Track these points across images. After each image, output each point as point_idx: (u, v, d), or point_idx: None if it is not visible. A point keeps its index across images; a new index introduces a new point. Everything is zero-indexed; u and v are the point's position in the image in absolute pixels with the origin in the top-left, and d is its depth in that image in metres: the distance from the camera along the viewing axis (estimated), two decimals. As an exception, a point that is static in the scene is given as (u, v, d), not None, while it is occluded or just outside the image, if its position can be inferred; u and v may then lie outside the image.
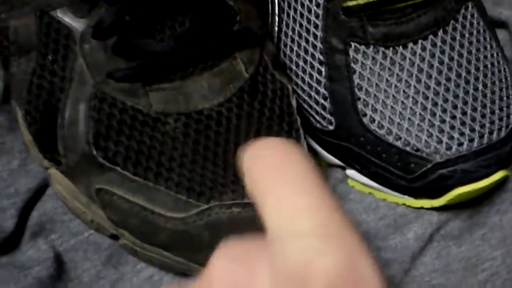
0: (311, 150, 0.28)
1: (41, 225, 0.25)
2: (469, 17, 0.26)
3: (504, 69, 0.27)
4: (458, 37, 0.26)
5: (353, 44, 0.25)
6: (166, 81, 0.23)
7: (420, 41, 0.25)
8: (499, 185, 0.27)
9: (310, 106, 0.27)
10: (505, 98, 0.26)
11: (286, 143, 0.15)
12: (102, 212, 0.23)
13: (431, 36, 0.25)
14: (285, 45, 0.27)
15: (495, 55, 0.26)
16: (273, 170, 0.15)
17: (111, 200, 0.22)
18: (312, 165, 0.15)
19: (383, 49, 0.25)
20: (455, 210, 0.26)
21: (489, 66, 0.26)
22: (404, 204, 0.27)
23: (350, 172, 0.27)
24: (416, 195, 0.26)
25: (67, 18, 0.23)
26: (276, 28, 0.28)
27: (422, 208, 0.26)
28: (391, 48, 0.25)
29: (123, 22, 0.23)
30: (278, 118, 0.24)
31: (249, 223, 0.21)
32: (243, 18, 0.25)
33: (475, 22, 0.26)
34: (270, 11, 0.28)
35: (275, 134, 0.23)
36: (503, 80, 0.26)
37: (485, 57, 0.26)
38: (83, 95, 0.23)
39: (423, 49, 0.25)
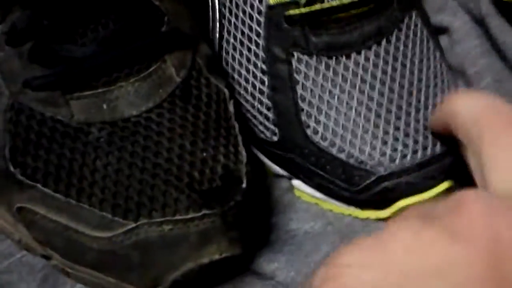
0: (256, 160, 0.28)
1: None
2: (412, 26, 0.26)
3: (448, 80, 0.26)
4: (401, 47, 0.25)
5: (295, 54, 0.25)
6: (88, 89, 0.21)
7: (363, 51, 0.25)
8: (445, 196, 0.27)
9: (254, 116, 0.26)
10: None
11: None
12: (26, 230, 0.22)
13: (374, 46, 0.25)
14: (227, 53, 0.26)
15: (438, 66, 0.26)
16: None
17: (33, 219, 0.21)
18: None
19: (326, 59, 0.25)
20: (400, 219, 0.26)
21: (431, 76, 0.26)
22: (350, 215, 0.27)
23: (296, 182, 0.27)
24: (361, 206, 0.26)
25: None
26: (217, 35, 0.27)
27: (368, 219, 0.26)
28: (334, 58, 0.24)
29: (39, 26, 0.21)
30: (214, 123, 0.23)
31: (181, 240, 0.20)
32: (172, 19, 0.23)
33: (419, 31, 0.26)
34: (210, 17, 0.27)
35: (213, 139, 0.22)
36: (446, 90, 0.26)
37: (428, 67, 0.26)
38: (0, 107, 0.21)
39: (367, 59, 0.25)
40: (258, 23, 0.25)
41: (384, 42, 0.25)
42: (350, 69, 0.25)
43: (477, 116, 0.20)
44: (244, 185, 0.22)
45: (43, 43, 0.21)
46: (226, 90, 0.24)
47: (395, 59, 0.25)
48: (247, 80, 0.26)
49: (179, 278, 0.21)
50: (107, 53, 0.21)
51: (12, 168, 0.21)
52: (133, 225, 0.20)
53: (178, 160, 0.21)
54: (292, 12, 0.24)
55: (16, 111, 0.21)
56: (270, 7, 0.24)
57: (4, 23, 0.21)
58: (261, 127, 0.26)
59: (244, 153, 0.23)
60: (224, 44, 0.26)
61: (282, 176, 0.27)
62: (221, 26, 0.26)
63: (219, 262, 0.21)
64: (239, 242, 0.21)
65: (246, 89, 0.26)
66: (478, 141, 0.20)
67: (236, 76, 0.26)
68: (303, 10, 0.24)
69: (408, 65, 0.25)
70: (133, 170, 0.21)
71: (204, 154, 0.21)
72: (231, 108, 0.24)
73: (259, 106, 0.26)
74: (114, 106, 0.21)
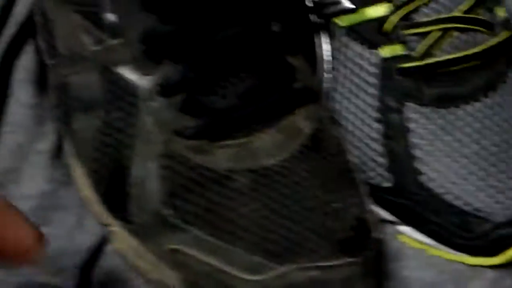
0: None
1: (105, 284, 0.24)
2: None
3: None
4: (508, 99, 0.27)
5: (408, 104, 0.26)
6: (231, 138, 0.23)
7: (473, 102, 0.26)
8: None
9: (365, 163, 0.27)
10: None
11: None
12: (171, 271, 0.22)
13: (483, 98, 0.26)
14: (338, 102, 0.28)
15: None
16: None
17: (184, 260, 0.22)
18: None
19: (438, 109, 0.26)
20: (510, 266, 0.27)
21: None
22: (459, 262, 0.27)
23: (404, 228, 0.27)
24: (473, 253, 0.26)
25: (131, 75, 0.23)
26: (327, 85, 0.28)
27: (478, 265, 0.26)
28: (447, 109, 0.26)
29: (188, 80, 0.23)
30: (341, 173, 0.24)
31: (325, 286, 0.21)
32: (302, 76, 0.25)
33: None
34: (318, 69, 0.29)
35: (342, 190, 0.23)
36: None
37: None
38: (152, 153, 0.22)
39: (477, 110, 0.26)
40: (372, 75, 0.26)
41: (491, 93, 0.26)
42: (462, 119, 0.26)
43: None
44: (376, 235, 0.23)
45: (191, 95, 0.23)
46: (345, 142, 0.26)
47: (503, 109, 0.26)
48: (358, 128, 0.27)
49: None
50: (248, 106, 0.23)
51: (166, 212, 0.22)
52: (284, 269, 0.21)
53: (316, 209, 0.22)
54: (406, 64, 0.25)
55: (168, 157, 0.22)
56: (383, 60, 0.26)
57: (155, 74, 0.22)
58: (372, 173, 0.27)
59: (369, 202, 0.24)
60: (334, 94, 0.28)
61: (387, 222, 0.28)
62: (331, 77, 0.28)
63: None
64: None
65: (357, 137, 0.27)
66: None
67: (346, 124, 0.27)
68: (418, 63, 0.25)
69: (516, 116, 0.26)
70: (278, 216, 0.22)
71: (337, 205, 0.22)
72: (352, 158, 0.25)
73: (371, 153, 0.27)
74: (255, 155, 0.23)
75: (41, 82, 0.30)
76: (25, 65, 0.29)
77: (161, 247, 0.22)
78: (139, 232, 0.23)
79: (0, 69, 0.29)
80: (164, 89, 0.22)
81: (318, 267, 0.21)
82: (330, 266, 0.21)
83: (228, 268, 0.21)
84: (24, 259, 0.17)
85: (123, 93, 0.23)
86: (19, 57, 0.30)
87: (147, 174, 0.22)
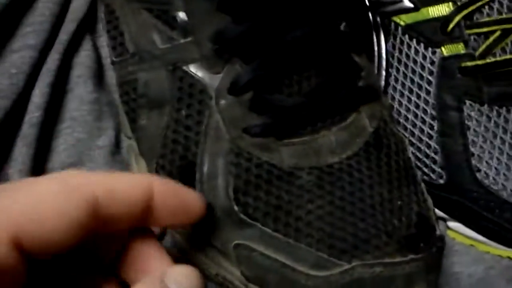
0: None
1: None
2: None
3: None
4: None
5: (467, 102, 0.26)
6: (296, 136, 0.23)
7: (530, 101, 0.26)
8: None
9: (419, 159, 0.27)
10: None
11: None
12: (231, 266, 0.23)
13: (541, 97, 0.26)
14: (393, 99, 0.28)
15: None
16: None
17: (249, 256, 0.22)
18: None
19: (497, 108, 0.26)
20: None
21: None
22: (508, 257, 0.27)
23: (454, 224, 0.28)
24: (524, 249, 0.27)
25: (200, 73, 0.23)
26: (383, 83, 0.29)
27: (528, 261, 0.27)
28: (504, 108, 0.26)
29: (257, 78, 0.23)
30: (403, 171, 0.24)
31: (390, 282, 0.21)
32: (366, 74, 0.25)
33: None
34: (376, 66, 0.29)
35: (405, 187, 0.23)
36: None
37: None
38: (220, 150, 0.23)
39: (534, 109, 0.26)
40: (430, 73, 0.27)
41: (548, 93, 0.27)
42: (520, 118, 0.26)
43: None
44: (438, 232, 0.23)
45: (260, 94, 0.23)
46: (405, 139, 0.26)
47: (560, 109, 0.27)
48: (414, 125, 0.27)
49: None
50: (312, 104, 0.23)
51: (235, 207, 0.22)
52: (349, 266, 0.21)
53: (379, 207, 0.22)
54: (468, 63, 0.26)
55: (236, 154, 0.22)
56: (444, 59, 0.26)
57: (224, 72, 0.23)
58: (426, 170, 0.27)
59: (430, 200, 0.24)
60: (390, 91, 0.28)
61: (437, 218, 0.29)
62: (388, 74, 0.28)
63: None
64: (435, 285, 0.22)
65: (412, 133, 0.27)
66: None
67: (402, 121, 0.28)
68: (479, 62, 0.26)
69: None
70: (343, 213, 0.22)
71: (400, 202, 0.23)
72: (411, 155, 0.25)
73: (426, 149, 0.27)
74: (319, 153, 0.23)
75: (99, 77, 0.30)
76: (83, 61, 0.30)
77: (227, 242, 0.22)
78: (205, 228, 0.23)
79: (60, 66, 0.29)
80: (234, 88, 0.23)
81: (382, 264, 0.21)
82: (395, 263, 0.21)
83: (293, 264, 0.21)
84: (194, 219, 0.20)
85: (193, 91, 0.23)
86: (78, 54, 0.30)
87: (216, 170, 0.22)
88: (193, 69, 0.23)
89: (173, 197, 0.19)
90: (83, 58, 0.30)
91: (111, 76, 0.30)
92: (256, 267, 0.22)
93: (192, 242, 0.24)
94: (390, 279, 0.21)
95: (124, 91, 0.25)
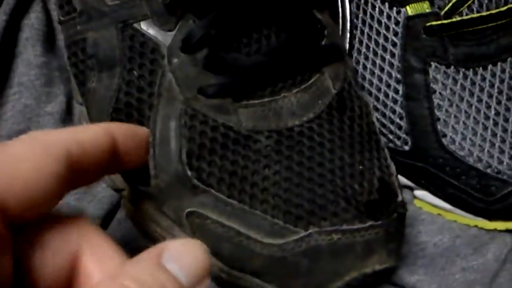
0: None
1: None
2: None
3: None
4: (534, 59, 0.26)
5: (433, 64, 0.25)
6: (255, 97, 0.22)
7: (499, 63, 0.25)
8: None
9: (384, 125, 0.26)
10: None
11: None
12: (186, 236, 0.22)
13: (510, 59, 0.25)
14: (357, 63, 0.27)
15: None
16: None
17: (203, 224, 0.21)
18: None
19: (463, 69, 0.25)
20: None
21: None
22: (476, 226, 0.27)
23: (420, 193, 0.27)
24: (491, 217, 0.26)
25: (152, 31, 0.22)
26: (347, 45, 0.27)
27: (495, 230, 0.26)
28: (471, 69, 0.25)
29: (211, 36, 0.22)
30: (366, 135, 0.23)
31: (348, 250, 0.20)
32: (330, 33, 0.24)
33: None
34: (340, 27, 0.28)
35: (367, 152, 0.22)
36: None
37: None
38: (173, 111, 0.21)
39: (503, 70, 0.25)
40: (395, 33, 0.26)
41: (518, 54, 0.26)
42: (487, 80, 0.25)
43: None
44: (400, 198, 0.22)
45: (215, 52, 0.21)
46: (369, 103, 0.25)
47: (529, 71, 0.26)
48: (379, 89, 0.26)
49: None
50: (273, 64, 0.22)
51: (188, 172, 0.21)
52: (305, 233, 0.20)
53: (340, 172, 0.21)
54: (433, 23, 0.25)
55: (190, 116, 0.21)
56: (408, 18, 0.25)
57: (177, 30, 0.21)
58: (391, 136, 0.26)
59: (393, 166, 0.23)
60: (355, 54, 0.27)
61: (403, 187, 0.28)
62: (352, 36, 0.27)
63: (377, 273, 0.21)
64: (396, 254, 0.22)
65: (377, 98, 0.26)
66: None
67: (367, 85, 0.27)
68: (444, 21, 0.24)
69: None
70: (301, 179, 0.21)
71: (361, 167, 0.22)
72: (375, 120, 0.24)
73: (391, 114, 0.26)
74: (278, 115, 0.22)
75: (49, 41, 0.29)
76: (32, 23, 0.28)
77: (179, 210, 0.21)
78: (157, 195, 0.22)
79: (7, 28, 0.28)
80: (187, 45, 0.21)
81: (340, 231, 0.20)
82: (353, 230, 0.20)
83: (248, 232, 0.20)
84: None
85: (144, 50, 0.22)
86: (27, 16, 0.28)
87: (168, 133, 0.21)
88: (144, 26, 0.22)
89: (132, 137, 0.20)
90: (32, 20, 0.28)
91: (62, 39, 0.29)
92: (210, 236, 0.21)
93: (144, 214, 0.23)
94: (348, 246, 0.20)
95: (72, 53, 0.24)
